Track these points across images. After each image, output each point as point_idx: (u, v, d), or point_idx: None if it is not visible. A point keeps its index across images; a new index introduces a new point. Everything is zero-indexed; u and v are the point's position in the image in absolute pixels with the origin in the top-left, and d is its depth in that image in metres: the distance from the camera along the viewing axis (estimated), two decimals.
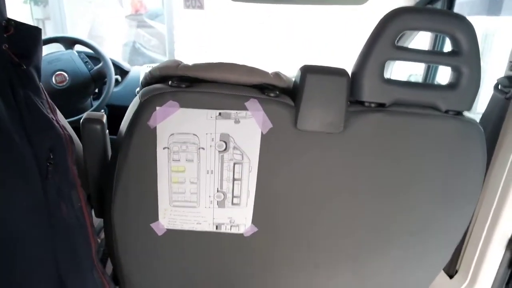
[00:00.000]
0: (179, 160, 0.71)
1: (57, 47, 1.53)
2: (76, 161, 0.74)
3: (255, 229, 0.78)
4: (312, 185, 0.75)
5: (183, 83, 0.68)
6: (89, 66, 1.49)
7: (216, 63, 0.71)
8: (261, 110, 0.68)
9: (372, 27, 0.68)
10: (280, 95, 0.71)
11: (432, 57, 0.76)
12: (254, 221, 0.77)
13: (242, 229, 0.78)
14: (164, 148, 0.70)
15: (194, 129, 0.69)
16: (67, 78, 1.44)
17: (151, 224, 0.77)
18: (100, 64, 1.48)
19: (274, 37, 4.18)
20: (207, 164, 0.72)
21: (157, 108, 0.67)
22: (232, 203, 0.76)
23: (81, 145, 0.78)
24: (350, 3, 1.66)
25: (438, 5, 1.37)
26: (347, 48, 4.00)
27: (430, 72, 1.58)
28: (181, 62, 0.73)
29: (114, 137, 0.74)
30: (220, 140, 0.70)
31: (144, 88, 0.71)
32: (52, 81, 1.42)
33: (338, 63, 0.74)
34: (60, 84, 1.43)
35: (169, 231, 0.77)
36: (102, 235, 0.88)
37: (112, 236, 0.78)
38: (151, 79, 0.75)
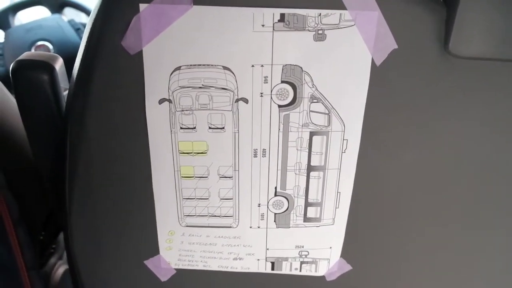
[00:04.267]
0: (194, 128, 0.34)
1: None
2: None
3: (347, 268, 0.40)
4: (467, 174, 0.36)
5: None
6: (82, 35, 1.14)
7: None
8: (375, 8, 0.30)
9: None
10: None
11: None
12: (345, 254, 0.39)
13: (323, 268, 0.40)
14: (161, 102, 0.33)
15: (224, 57, 0.32)
16: (52, 50, 1.09)
17: (145, 262, 0.40)
18: None
19: None
20: (254, 136, 0.34)
21: (142, 7, 0.30)
22: (305, 218, 0.38)
23: None
24: None
25: None
26: None
27: None
28: None
29: None
30: (283, 81, 0.32)
31: None
32: None
33: None
34: None
35: (181, 274, 0.41)
36: None
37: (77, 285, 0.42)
38: None
